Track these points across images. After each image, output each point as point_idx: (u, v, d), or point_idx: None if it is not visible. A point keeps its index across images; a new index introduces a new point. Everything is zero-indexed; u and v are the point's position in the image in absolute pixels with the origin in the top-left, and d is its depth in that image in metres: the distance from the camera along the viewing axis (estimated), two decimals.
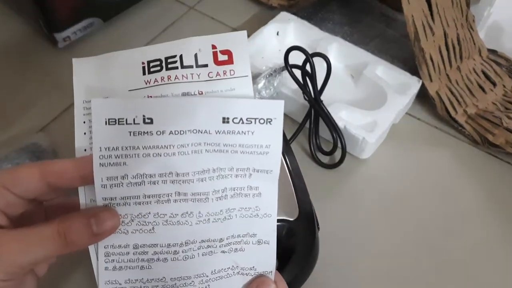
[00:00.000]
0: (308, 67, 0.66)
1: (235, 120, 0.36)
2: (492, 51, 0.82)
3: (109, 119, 0.34)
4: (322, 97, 0.67)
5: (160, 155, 0.34)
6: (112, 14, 0.84)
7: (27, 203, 0.33)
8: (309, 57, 0.65)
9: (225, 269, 0.40)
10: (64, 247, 0.30)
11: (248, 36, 0.77)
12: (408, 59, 0.77)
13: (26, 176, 0.32)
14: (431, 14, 0.70)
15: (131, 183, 0.34)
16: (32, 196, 0.33)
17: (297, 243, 0.52)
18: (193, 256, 0.38)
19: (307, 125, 0.70)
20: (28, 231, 0.30)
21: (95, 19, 0.81)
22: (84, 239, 0.30)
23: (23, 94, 0.77)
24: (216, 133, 0.36)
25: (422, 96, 0.74)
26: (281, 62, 0.68)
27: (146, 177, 0.34)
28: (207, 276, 0.39)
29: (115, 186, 0.34)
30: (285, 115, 0.73)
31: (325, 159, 0.69)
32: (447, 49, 0.73)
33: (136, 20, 0.86)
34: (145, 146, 0.34)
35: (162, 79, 0.38)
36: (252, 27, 0.82)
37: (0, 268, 0.29)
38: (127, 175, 0.34)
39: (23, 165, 0.33)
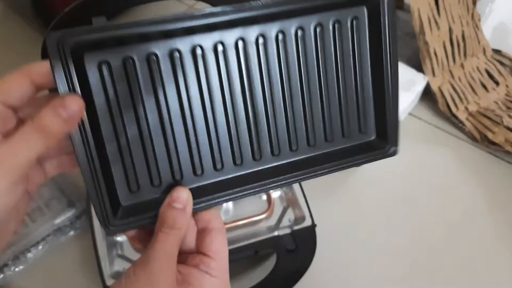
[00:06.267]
0: None
1: None
2: (496, 51, 0.82)
3: None
4: None
5: None
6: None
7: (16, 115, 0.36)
8: None
9: None
10: (46, 139, 0.32)
11: None
12: (411, 57, 0.77)
13: (13, 84, 0.35)
14: (437, 9, 0.70)
15: None
16: (22, 102, 0.35)
17: None
18: None
19: None
20: (12, 138, 0.32)
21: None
22: (59, 126, 0.32)
23: None
24: None
25: (423, 96, 0.74)
26: None
27: None
28: None
29: None
30: None
31: None
32: (452, 45, 0.73)
33: (137, 19, 0.86)
34: None
35: None
36: None
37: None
38: None
39: (7, 76, 0.35)
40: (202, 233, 0.39)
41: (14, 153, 0.32)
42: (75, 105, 0.33)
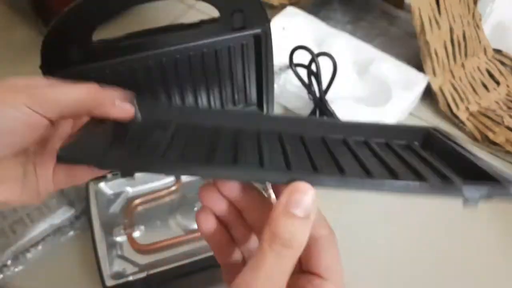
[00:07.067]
0: (313, 67, 0.65)
1: None
2: (497, 51, 0.82)
3: None
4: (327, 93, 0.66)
5: None
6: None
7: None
8: (314, 57, 0.64)
9: None
10: (91, 102, 0.32)
11: None
12: (412, 57, 0.77)
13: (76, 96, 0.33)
14: (438, 8, 0.70)
15: None
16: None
17: None
18: None
19: None
20: (67, 84, 0.32)
21: None
22: (107, 106, 0.33)
23: None
24: None
25: (424, 96, 0.73)
26: (286, 58, 0.67)
27: None
28: None
29: None
30: (290, 111, 0.73)
31: None
32: (452, 45, 0.73)
33: (136, 18, 0.85)
34: None
35: None
36: None
37: (44, 104, 0.30)
38: None
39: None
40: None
41: (64, 93, 0.31)
42: (129, 108, 0.34)
